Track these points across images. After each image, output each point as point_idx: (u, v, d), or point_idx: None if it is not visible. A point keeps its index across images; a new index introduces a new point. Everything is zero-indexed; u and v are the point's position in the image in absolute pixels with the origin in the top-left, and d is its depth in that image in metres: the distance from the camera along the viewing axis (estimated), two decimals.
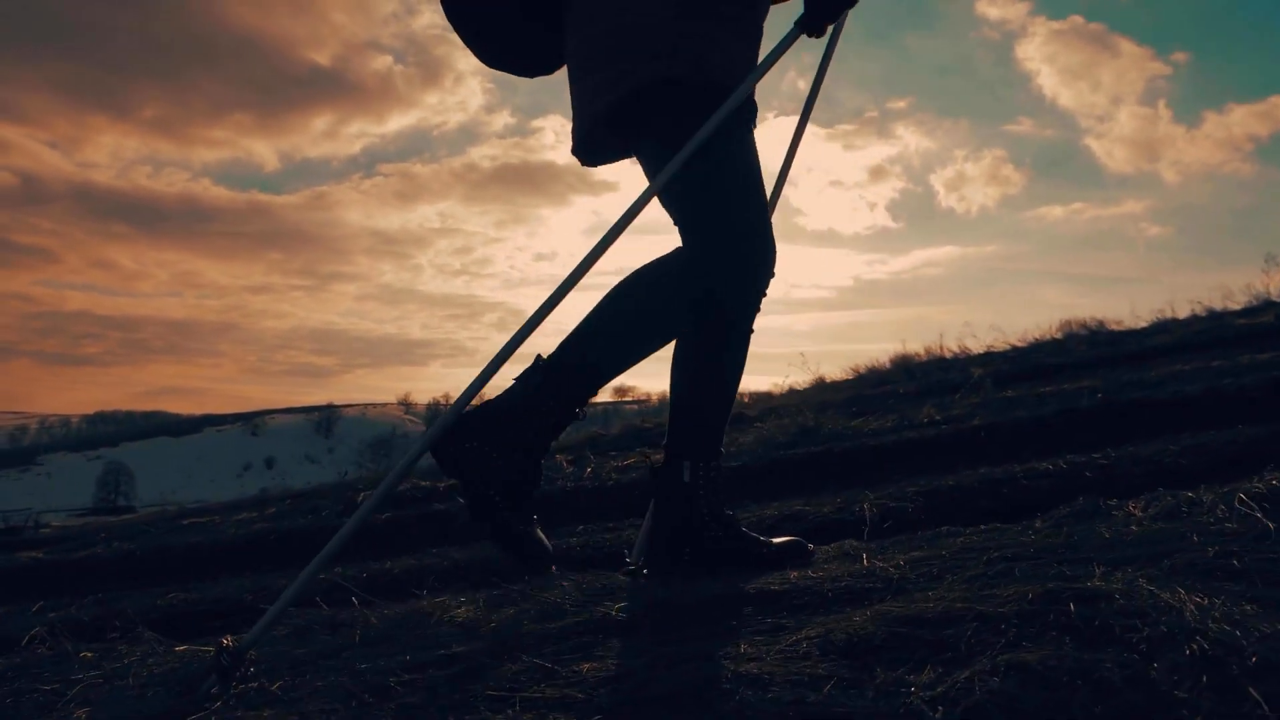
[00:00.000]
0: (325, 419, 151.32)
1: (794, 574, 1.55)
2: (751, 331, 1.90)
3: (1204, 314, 11.32)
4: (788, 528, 2.57)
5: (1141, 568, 1.25)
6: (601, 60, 1.86)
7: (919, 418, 4.90)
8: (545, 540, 1.77)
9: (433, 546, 3.64)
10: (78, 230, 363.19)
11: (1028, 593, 1.14)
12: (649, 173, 1.96)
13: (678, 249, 1.89)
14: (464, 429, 1.74)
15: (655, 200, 1.89)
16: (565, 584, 1.69)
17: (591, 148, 2.00)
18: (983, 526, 1.85)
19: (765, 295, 1.88)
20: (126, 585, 4.30)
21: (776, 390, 11.46)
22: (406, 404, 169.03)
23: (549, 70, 2.13)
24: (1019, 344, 11.74)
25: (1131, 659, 0.93)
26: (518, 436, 1.73)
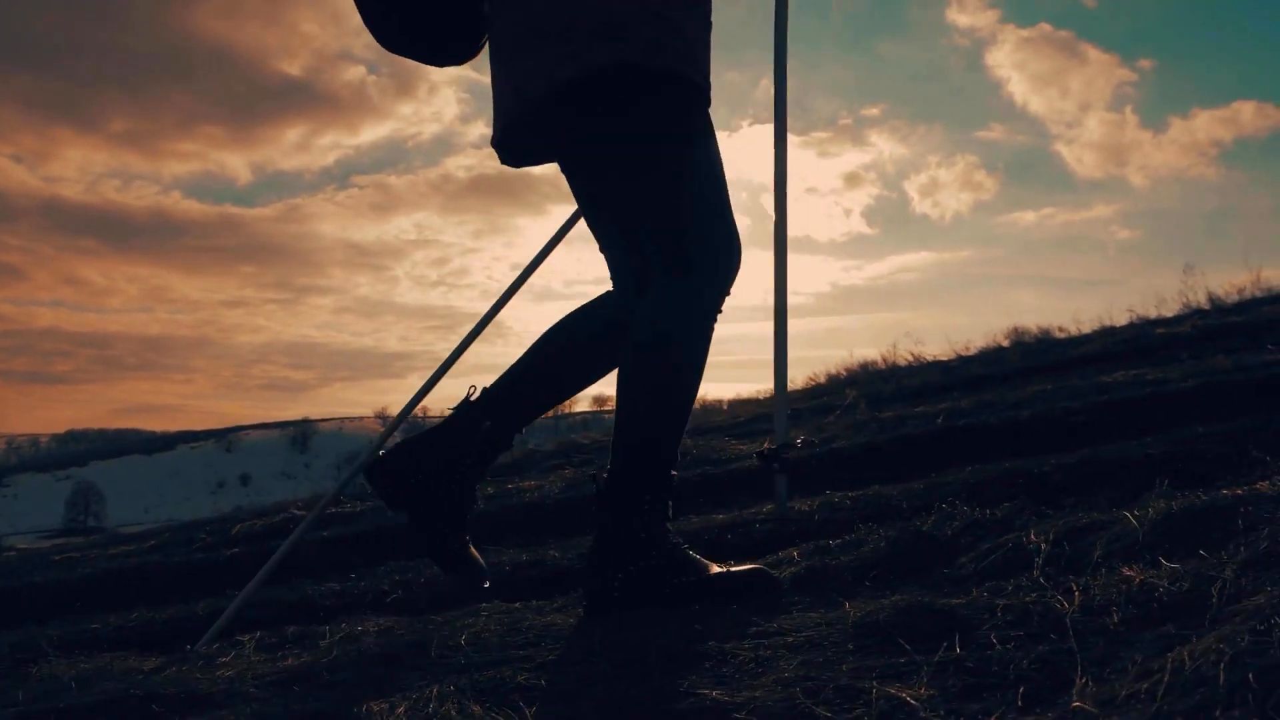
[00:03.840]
0: (301, 434, 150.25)
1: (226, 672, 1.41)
2: None
3: (1139, 322, 11.38)
4: (521, 575, 2.39)
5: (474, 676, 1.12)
6: (538, 38, 1.64)
7: (794, 440, 4.76)
8: (479, 559, 1.84)
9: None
10: (45, 246, 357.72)
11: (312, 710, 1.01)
12: (586, 183, 1.81)
13: (607, 293, 1.87)
14: (402, 454, 1.80)
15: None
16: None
17: (515, 143, 1.77)
18: (533, 601, 1.72)
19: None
20: None
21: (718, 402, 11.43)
22: (384, 417, 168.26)
23: (459, 58, 1.89)
24: (964, 352, 11.75)
25: None
26: (454, 464, 1.77)
